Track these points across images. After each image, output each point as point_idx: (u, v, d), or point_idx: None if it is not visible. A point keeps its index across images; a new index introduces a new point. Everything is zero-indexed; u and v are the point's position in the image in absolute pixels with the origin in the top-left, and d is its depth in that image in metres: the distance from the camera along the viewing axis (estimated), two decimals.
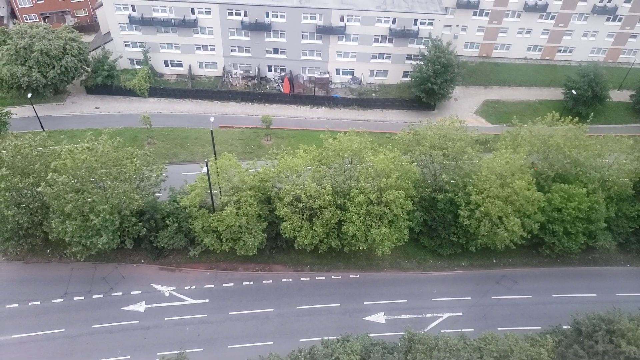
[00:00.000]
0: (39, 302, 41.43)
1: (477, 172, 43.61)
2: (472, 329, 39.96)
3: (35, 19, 74.41)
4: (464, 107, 67.95)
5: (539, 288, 45.74)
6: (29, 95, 55.99)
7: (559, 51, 76.11)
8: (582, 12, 71.55)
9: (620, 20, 72.65)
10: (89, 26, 76.86)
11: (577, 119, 48.26)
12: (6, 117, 54.47)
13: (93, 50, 66.98)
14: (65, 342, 38.97)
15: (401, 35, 65.09)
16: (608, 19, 72.50)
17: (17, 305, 41.16)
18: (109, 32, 66.81)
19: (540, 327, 38.99)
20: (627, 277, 47.76)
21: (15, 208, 39.03)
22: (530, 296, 45.01)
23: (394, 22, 64.46)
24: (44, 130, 55.07)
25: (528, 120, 50.58)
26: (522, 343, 33.48)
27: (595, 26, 73.15)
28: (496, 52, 75.85)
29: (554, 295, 45.21)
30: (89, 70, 63.53)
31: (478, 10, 70.99)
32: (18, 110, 59.86)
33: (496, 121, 66.02)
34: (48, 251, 44.79)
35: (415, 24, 64.42)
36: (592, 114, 57.40)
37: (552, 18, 72.10)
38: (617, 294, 45.24)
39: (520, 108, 67.79)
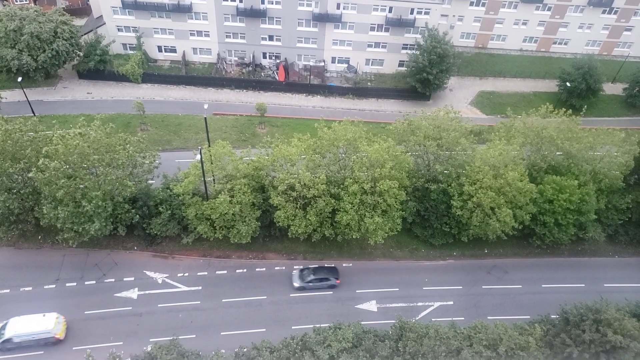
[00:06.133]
0: (30, 288, 41.32)
1: (471, 163, 43.81)
2: (463, 318, 40.45)
3: (26, 1, 72.96)
4: (459, 98, 67.98)
5: (529, 278, 46.32)
6: (19, 79, 55.17)
7: (555, 43, 76.14)
8: (578, 4, 71.46)
9: (615, 12, 72.64)
10: (81, 9, 75.57)
11: (570, 111, 48.51)
12: None
13: (85, 34, 65.97)
14: None
15: (397, 24, 64.76)
16: (604, 12, 72.49)
17: (8, 290, 41.02)
18: (101, 15, 65.77)
19: (529, 317, 39.65)
20: (615, 268, 48.43)
21: (5, 193, 38.76)
22: (520, 286, 45.59)
23: (390, 11, 64.07)
24: (35, 115, 54.37)
25: (522, 111, 50.77)
26: (511, 332, 34.07)
27: (591, 18, 73.17)
28: (492, 43, 75.74)
29: (543, 285, 45.81)
30: (81, 54, 62.61)
31: (475, 1, 70.59)
32: (8, 94, 58.98)
33: (490, 112, 66.16)
34: (40, 237, 44.55)
35: (411, 13, 64.07)
36: (585, 106, 57.68)
37: (549, 9, 71.99)
38: (605, 285, 45.86)
39: (515, 99, 67.97)
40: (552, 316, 38.22)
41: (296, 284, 42.88)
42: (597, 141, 46.98)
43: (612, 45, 76.80)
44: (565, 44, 76.08)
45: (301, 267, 44.28)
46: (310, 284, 42.69)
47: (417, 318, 40.66)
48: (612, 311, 34.70)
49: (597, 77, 63.59)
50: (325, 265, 44.80)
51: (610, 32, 74.93)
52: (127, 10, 63.82)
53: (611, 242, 50.17)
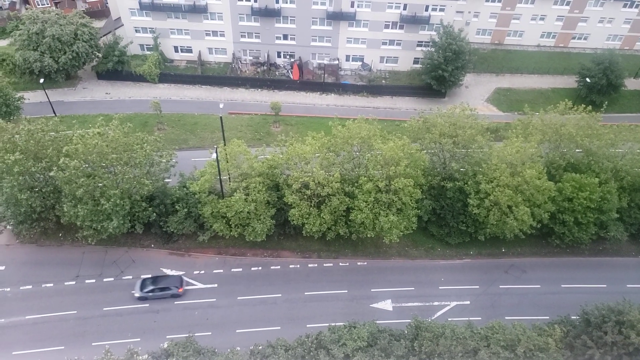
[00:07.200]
0: (52, 285, 42.20)
1: (487, 160, 43.27)
2: (480, 318, 39.95)
3: (47, 4, 74.57)
4: (475, 95, 67.21)
5: (548, 278, 45.53)
6: (41, 80, 56.33)
7: (574, 38, 74.68)
8: None
9: (637, 6, 70.89)
10: (100, 12, 76.91)
11: (590, 107, 47.56)
12: (19, 102, 54.96)
13: (104, 35, 67.13)
14: (77, 324, 39.75)
15: (412, 21, 64.29)
16: (625, 5, 70.83)
17: (30, 287, 41.96)
18: (120, 17, 66.83)
19: (548, 317, 38.97)
20: (638, 268, 47.29)
21: (28, 192, 39.59)
22: (538, 286, 44.85)
23: (405, 8, 63.64)
24: (56, 115, 55.53)
25: (540, 108, 49.90)
26: (530, 332, 33.49)
27: (611, 12, 71.56)
28: (509, 39, 74.65)
29: (563, 286, 44.99)
30: (100, 55, 63.71)
31: None
32: (30, 96, 60.36)
33: (507, 109, 65.26)
34: (60, 234, 45.48)
35: (426, 10, 63.54)
36: (606, 102, 56.58)
37: (567, 4, 70.60)
38: (628, 285, 44.78)
39: (533, 96, 66.86)
40: (573, 317, 37.41)
41: (136, 294, 41.04)
42: (619, 138, 46.06)
43: (634, 40, 74.96)
44: (585, 38, 74.54)
45: (149, 275, 42.51)
46: (150, 293, 40.98)
47: (433, 318, 40.33)
48: (635, 312, 33.81)
49: (619, 72, 62.21)
50: (168, 274, 42.97)
51: (632, 26, 73.14)
52: (144, 11, 64.67)
53: (634, 241, 49.00)
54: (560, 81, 69.92)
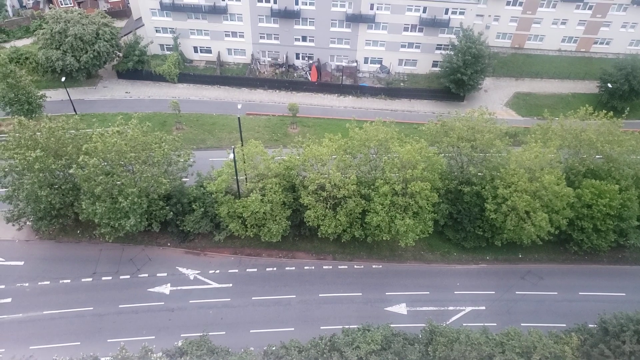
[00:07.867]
0: (69, 281, 42.88)
1: (505, 165, 42.79)
2: (495, 324, 39.54)
3: (70, 4, 76.01)
4: (494, 99, 66.56)
5: (565, 285, 44.84)
6: (63, 79, 57.41)
7: (596, 43, 73.41)
8: (621, 3, 68.63)
9: None
10: (121, 12, 78.11)
11: (611, 113, 46.77)
12: (41, 100, 55.98)
13: (125, 35, 68.08)
14: (93, 320, 40.34)
15: (432, 24, 63.94)
16: None
17: (48, 282, 42.68)
18: (140, 17, 67.75)
19: (565, 325, 38.43)
20: None
21: (48, 188, 40.25)
22: (555, 293, 44.19)
23: (424, 11, 63.33)
24: (76, 113, 56.44)
25: (560, 113, 49.26)
26: (546, 340, 33.02)
27: (635, 17, 70.17)
28: (529, 43, 73.72)
29: (580, 293, 44.27)
30: (121, 55, 64.66)
31: (511, 0, 68.97)
32: (52, 94, 61.41)
33: (527, 114, 64.48)
34: (78, 231, 46.21)
35: (446, 13, 63.15)
36: (627, 108, 55.65)
37: (590, 8, 69.51)
38: None
39: (552, 101, 65.98)
40: (590, 325, 36.79)
41: None
42: None
43: None
44: (607, 43, 73.27)
45: None
46: None
47: (447, 322, 40.08)
48: None
49: None
50: None
51: None
52: (165, 12, 65.46)
53: None
54: (581, 86, 68.88)
